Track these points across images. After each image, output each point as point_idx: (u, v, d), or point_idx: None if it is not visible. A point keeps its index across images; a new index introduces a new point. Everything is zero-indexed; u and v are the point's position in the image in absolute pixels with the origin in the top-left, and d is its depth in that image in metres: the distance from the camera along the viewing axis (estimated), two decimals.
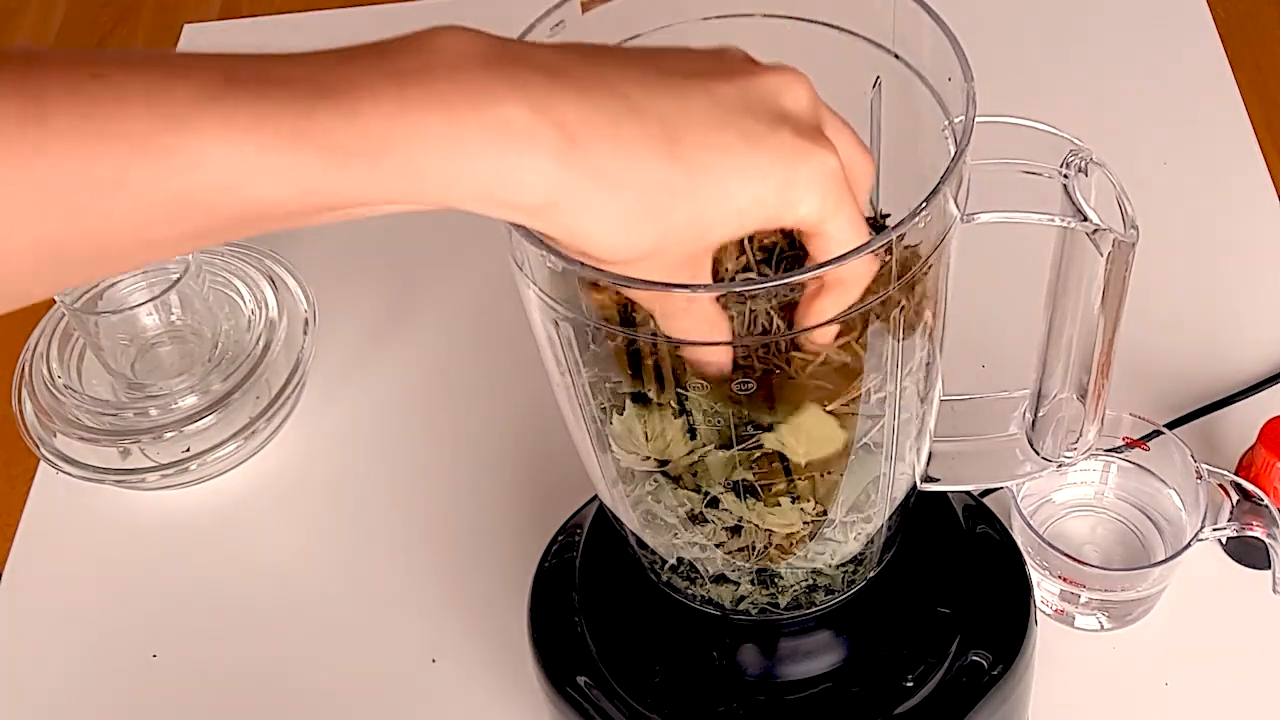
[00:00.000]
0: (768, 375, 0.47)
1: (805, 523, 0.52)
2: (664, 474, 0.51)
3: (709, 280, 0.43)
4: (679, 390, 0.47)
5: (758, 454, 0.49)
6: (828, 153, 0.40)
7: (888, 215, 0.52)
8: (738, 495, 0.51)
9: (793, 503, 0.51)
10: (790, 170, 0.40)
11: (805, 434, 0.48)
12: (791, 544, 0.53)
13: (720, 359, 0.45)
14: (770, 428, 0.48)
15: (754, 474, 0.50)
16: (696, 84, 0.39)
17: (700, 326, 0.43)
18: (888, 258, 0.44)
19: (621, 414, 0.49)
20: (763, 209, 0.40)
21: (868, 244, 0.42)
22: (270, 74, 0.34)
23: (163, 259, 0.36)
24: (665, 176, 0.38)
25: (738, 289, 0.44)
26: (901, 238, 0.43)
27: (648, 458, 0.51)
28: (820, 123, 0.42)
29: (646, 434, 0.49)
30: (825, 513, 0.52)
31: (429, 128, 0.35)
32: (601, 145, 0.37)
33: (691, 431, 0.49)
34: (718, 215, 0.39)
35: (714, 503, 0.51)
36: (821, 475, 0.51)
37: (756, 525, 0.52)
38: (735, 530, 0.53)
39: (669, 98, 0.39)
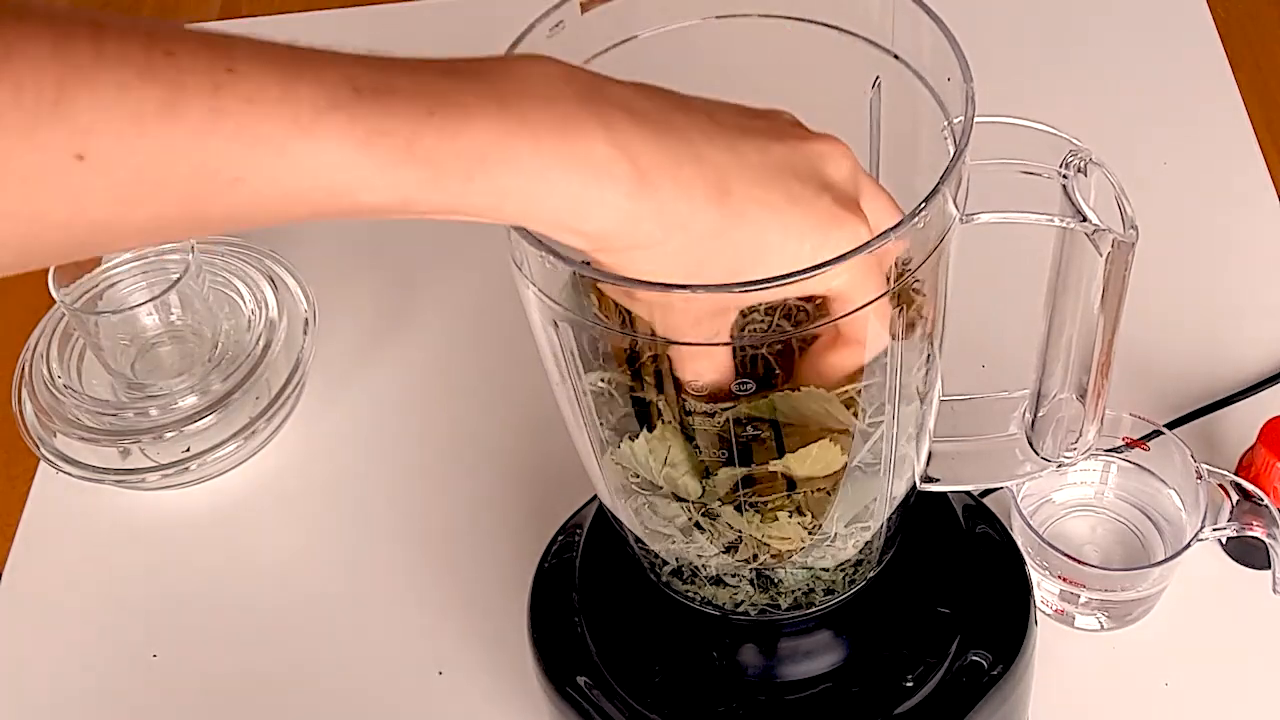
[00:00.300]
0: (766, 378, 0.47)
1: (803, 536, 0.52)
2: (662, 491, 0.51)
3: (728, 329, 0.44)
4: (680, 397, 0.47)
5: (760, 471, 0.49)
6: (862, 226, 0.42)
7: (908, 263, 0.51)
8: (737, 510, 0.51)
9: (790, 517, 0.51)
10: (825, 236, 0.41)
11: (809, 459, 0.49)
12: (790, 553, 0.53)
13: (722, 376, 0.46)
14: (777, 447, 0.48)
15: (755, 492, 0.50)
16: (750, 140, 0.42)
17: (712, 372, 0.45)
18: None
19: (629, 437, 0.49)
20: (795, 267, 0.41)
21: (866, 244, 0.42)
22: (388, 85, 0.36)
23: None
24: (714, 223, 0.40)
25: (736, 288, 0.44)
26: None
27: (656, 484, 0.51)
28: (859, 194, 0.43)
29: (665, 459, 0.50)
30: (823, 525, 0.53)
31: (520, 154, 0.37)
32: (667, 185, 0.39)
33: (706, 471, 0.50)
34: (755, 267, 0.41)
35: (712, 517, 0.52)
36: (821, 492, 0.51)
37: (756, 538, 0.52)
38: (734, 546, 0.53)
39: (725, 149, 0.41)
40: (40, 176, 0.32)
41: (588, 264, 0.44)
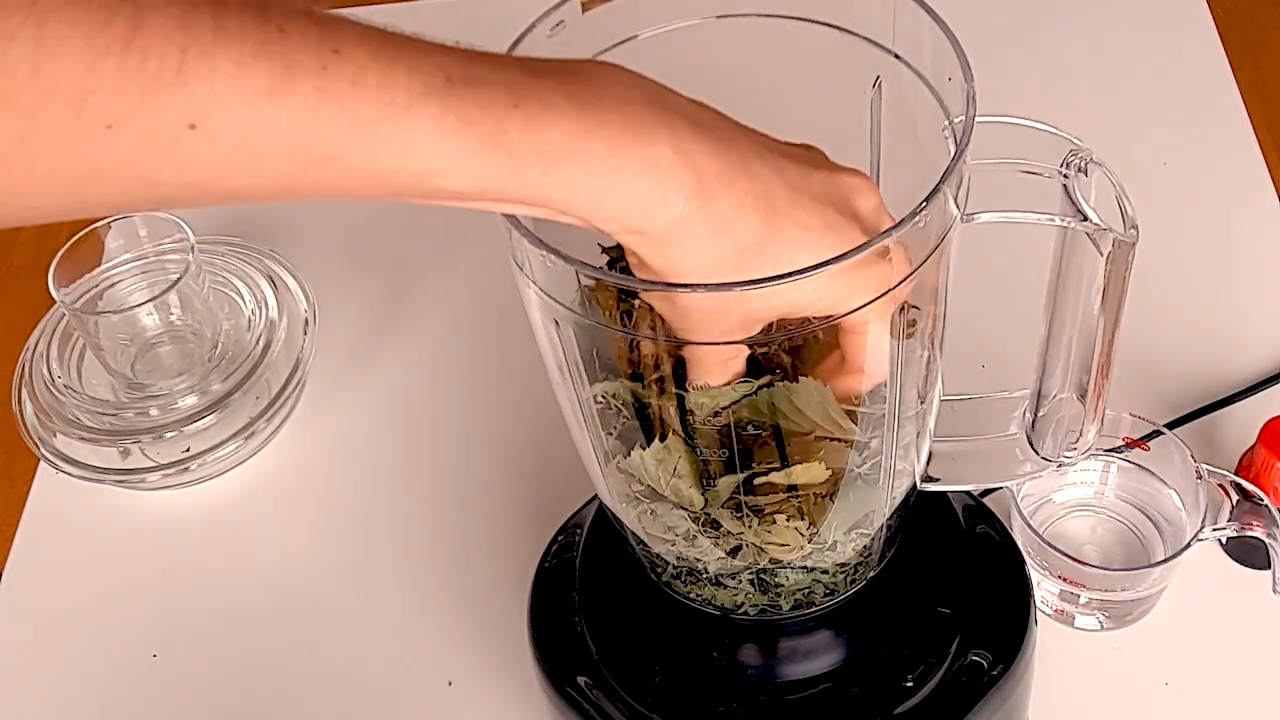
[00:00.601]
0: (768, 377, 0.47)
1: (802, 543, 0.52)
2: (665, 498, 0.51)
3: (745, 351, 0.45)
4: (679, 393, 0.47)
5: (761, 483, 0.49)
6: (885, 262, 0.44)
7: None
8: (738, 516, 0.51)
9: (789, 522, 0.51)
10: (854, 265, 0.43)
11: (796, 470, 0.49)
12: (790, 558, 0.53)
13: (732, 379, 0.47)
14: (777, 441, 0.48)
15: (754, 498, 0.50)
16: (794, 165, 0.44)
17: (724, 375, 0.47)
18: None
19: (640, 446, 0.50)
20: (819, 294, 0.43)
21: (866, 243, 0.42)
22: (477, 77, 0.38)
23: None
24: (757, 236, 0.42)
25: (737, 288, 0.44)
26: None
27: (659, 493, 0.51)
28: (881, 228, 0.45)
29: (673, 471, 0.50)
30: (823, 533, 0.53)
31: (595, 153, 0.39)
32: (722, 194, 0.41)
33: (708, 482, 0.50)
34: (788, 290, 0.43)
35: (714, 523, 0.52)
36: (821, 499, 0.51)
37: (756, 545, 0.52)
38: (734, 550, 0.53)
39: (773, 169, 0.43)
40: (153, 140, 0.34)
41: (588, 264, 0.44)
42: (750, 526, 0.51)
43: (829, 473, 0.50)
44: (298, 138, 0.35)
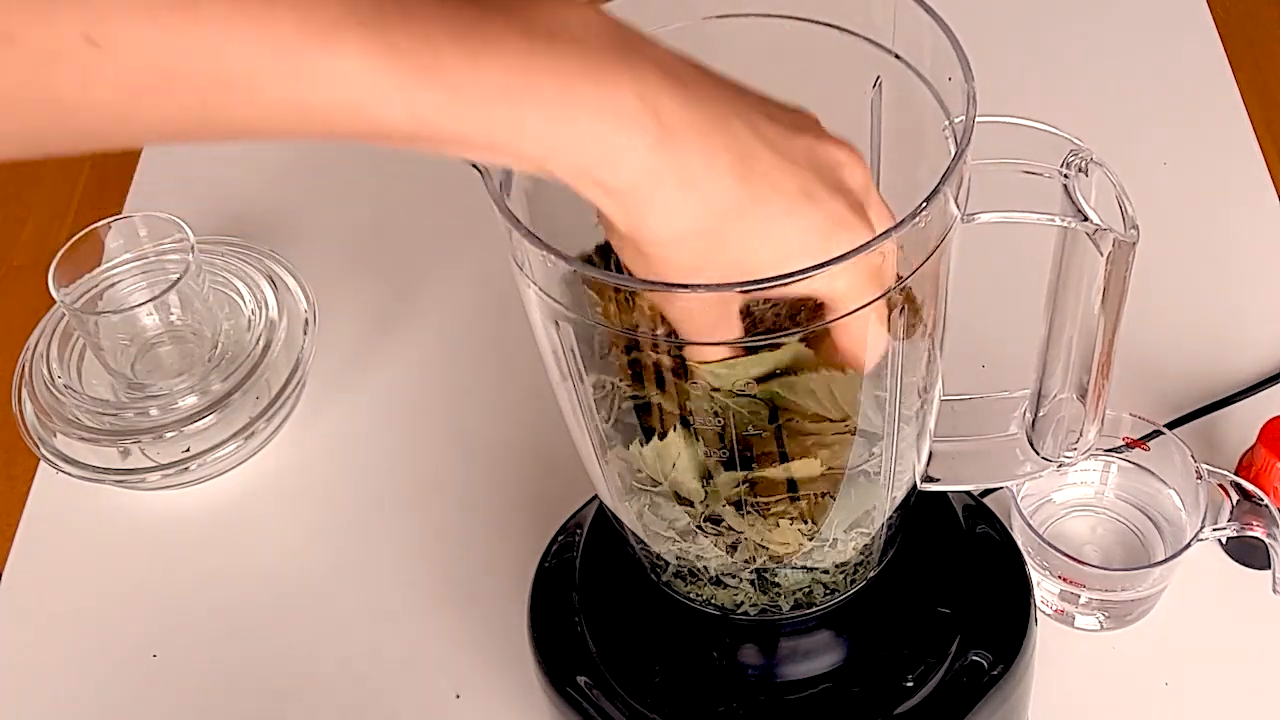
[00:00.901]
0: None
1: (803, 542, 0.52)
2: (663, 488, 0.51)
3: (736, 322, 0.44)
4: (680, 389, 0.47)
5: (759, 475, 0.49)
6: (868, 234, 0.42)
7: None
8: (738, 512, 0.51)
9: (790, 523, 0.51)
10: (834, 238, 0.41)
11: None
12: (790, 556, 0.53)
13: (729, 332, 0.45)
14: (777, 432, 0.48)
15: (755, 493, 0.50)
16: (775, 126, 0.42)
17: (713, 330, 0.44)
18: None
19: (639, 442, 0.49)
20: (798, 263, 0.41)
21: (867, 244, 0.42)
22: (415, 5, 0.35)
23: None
24: (732, 194, 0.40)
25: (738, 288, 0.44)
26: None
27: (658, 483, 0.51)
28: (868, 206, 0.43)
29: (674, 464, 0.50)
30: (822, 531, 0.53)
31: (544, 92, 0.36)
32: (692, 147, 0.39)
33: (707, 477, 0.50)
34: (764, 254, 0.41)
35: (714, 519, 0.52)
36: (822, 497, 0.51)
37: (756, 542, 0.52)
38: (734, 546, 0.53)
39: (750, 128, 0.41)
40: (52, 57, 0.32)
41: (588, 264, 0.44)
42: (752, 524, 0.51)
43: (825, 468, 0.49)
44: (210, 60, 0.33)
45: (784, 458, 0.49)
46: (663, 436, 0.49)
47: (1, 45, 0.32)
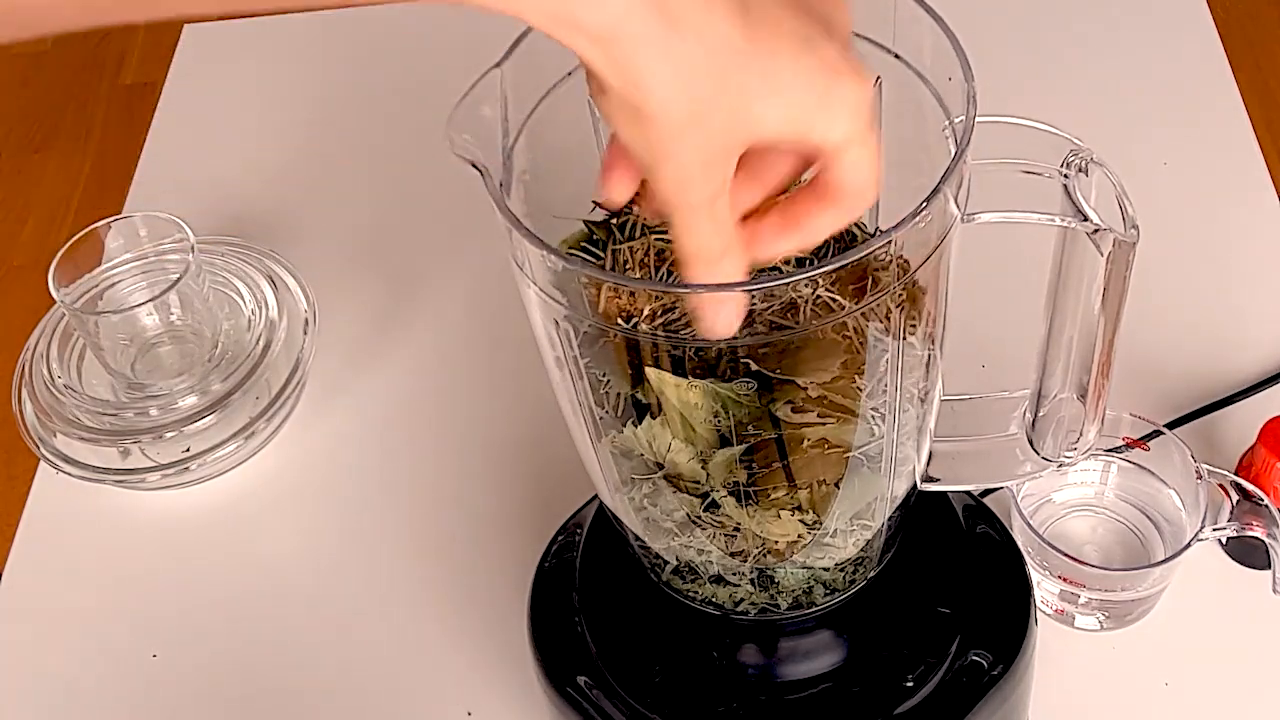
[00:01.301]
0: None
1: (803, 533, 0.52)
2: (664, 478, 0.51)
3: (726, 197, 0.41)
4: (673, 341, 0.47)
5: (758, 451, 0.49)
6: (866, 80, 0.40)
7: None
8: (738, 501, 0.51)
9: (792, 515, 0.51)
10: (833, 83, 0.39)
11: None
12: (790, 550, 0.53)
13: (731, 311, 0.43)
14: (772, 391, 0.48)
15: (753, 473, 0.50)
16: None
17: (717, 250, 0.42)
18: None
19: (632, 423, 0.49)
20: (801, 112, 0.39)
21: (867, 243, 0.42)
22: None
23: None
24: (731, 39, 0.37)
25: (738, 288, 0.44)
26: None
27: (655, 463, 0.51)
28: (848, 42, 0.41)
29: (669, 446, 0.50)
30: (824, 522, 0.52)
31: None
32: None
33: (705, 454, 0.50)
34: (764, 102, 0.38)
35: (713, 506, 0.52)
36: (824, 485, 0.51)
37: (755, 534, 0.52)
38: (733, 536, 0.53)
39: None
40: None
41: (587, 264, 0.44)
42: (751, 515, 0.51)
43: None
44: None
45: (785, 464, 0.49)
46: (654, 415, 0.48)
47: None
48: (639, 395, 0.49)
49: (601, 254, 0.47)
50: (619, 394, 0.49)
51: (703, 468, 0.50)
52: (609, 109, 0.38)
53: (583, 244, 0.48)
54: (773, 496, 0.51)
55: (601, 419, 0.51)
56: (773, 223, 0.43)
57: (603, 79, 0.37)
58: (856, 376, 0.48)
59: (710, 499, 0.51)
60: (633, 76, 0.37)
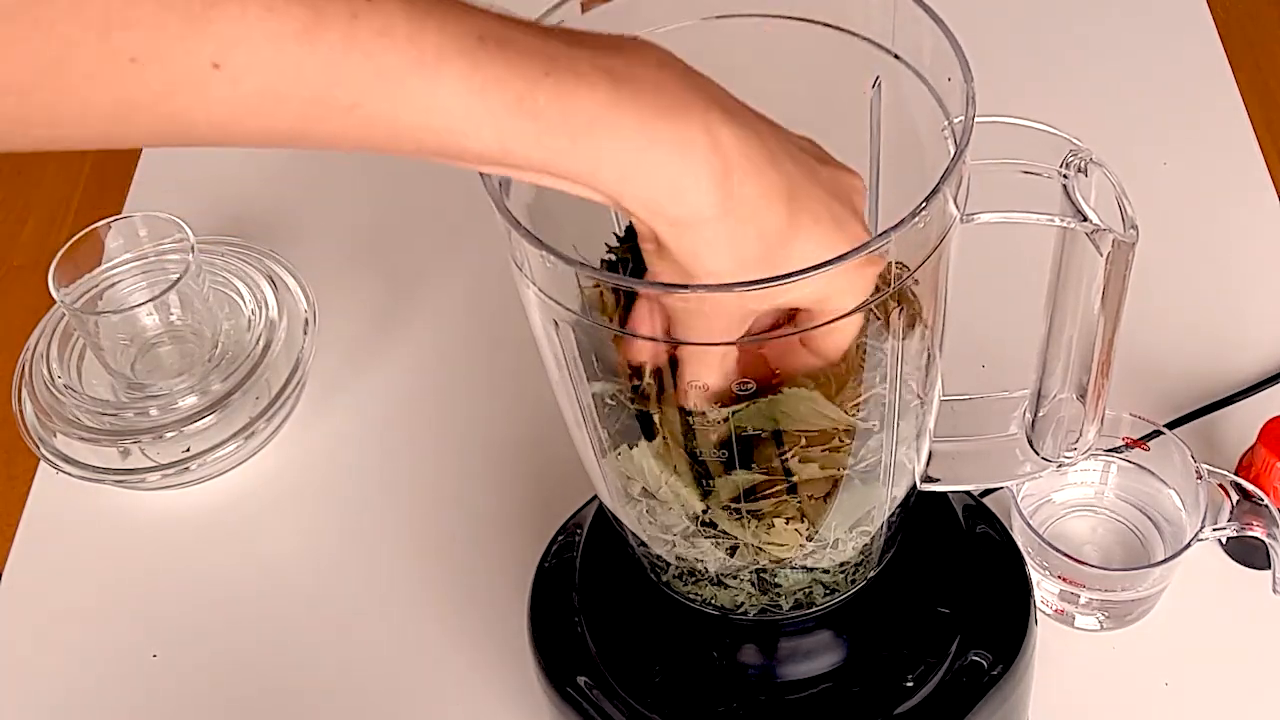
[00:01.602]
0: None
1: (802, 543, 0.52)
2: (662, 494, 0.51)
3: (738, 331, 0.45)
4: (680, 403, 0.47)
5: (761, 478, 0.49)
6: (881, 262, 0.44)
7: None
8: (736, 518, 0.51)
9: (787, 524, 0.51)
10: (860, 269, 0.43)
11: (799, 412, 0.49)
12: (790, 559, 0.53)
13: (726, 378, 0.47)
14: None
15: (755, 501, 0.50)
16: (808, 159, 0.44)
17: (719, 373, 0.46)
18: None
19: (630, 445, 0.50)
20: (827, 289, 0.43)
21: (868, 243, 0.42)
22: (510, 39, 0.37)
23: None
24: (779, 226, 0.42)
25: (739, 288, 0.44)
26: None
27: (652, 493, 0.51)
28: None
29: (673, 469, 0.50)
30: (822, 534, 0.53)
31: (624, 128, 0.39)
32: (749, 182, 0.41)
33: (706, 481, 0.50)
34: (780, 261, 0.42)
35: (711, 523, 0.52)
36: (818, 500, 0.51)
37: (754, 546, 0.52)
38: (733, 550, 0.53)
39: (792, 161, 0.43)
40: (178, 78, 0.34)
41: (587, 265, 0.44)
42: (749, 528, 0.51)
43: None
44: (321, 85, 0.35)
45: (785, 470, 0.49)
46: (650, 437, 0.49)
47: (126, 64, 0.33)
48: (639, 406, 0.49)
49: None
50: (619, 402, 0.50)
51: (703, 498, 0.50)
52: (660, 266, 0.43)
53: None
54: (770, 512, 0.51)
55: (603, 427, 0.51)
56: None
57: (666, 247, 0.42)
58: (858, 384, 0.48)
59: (707, 517, 0.51)
60: (694, 251, 0.42)
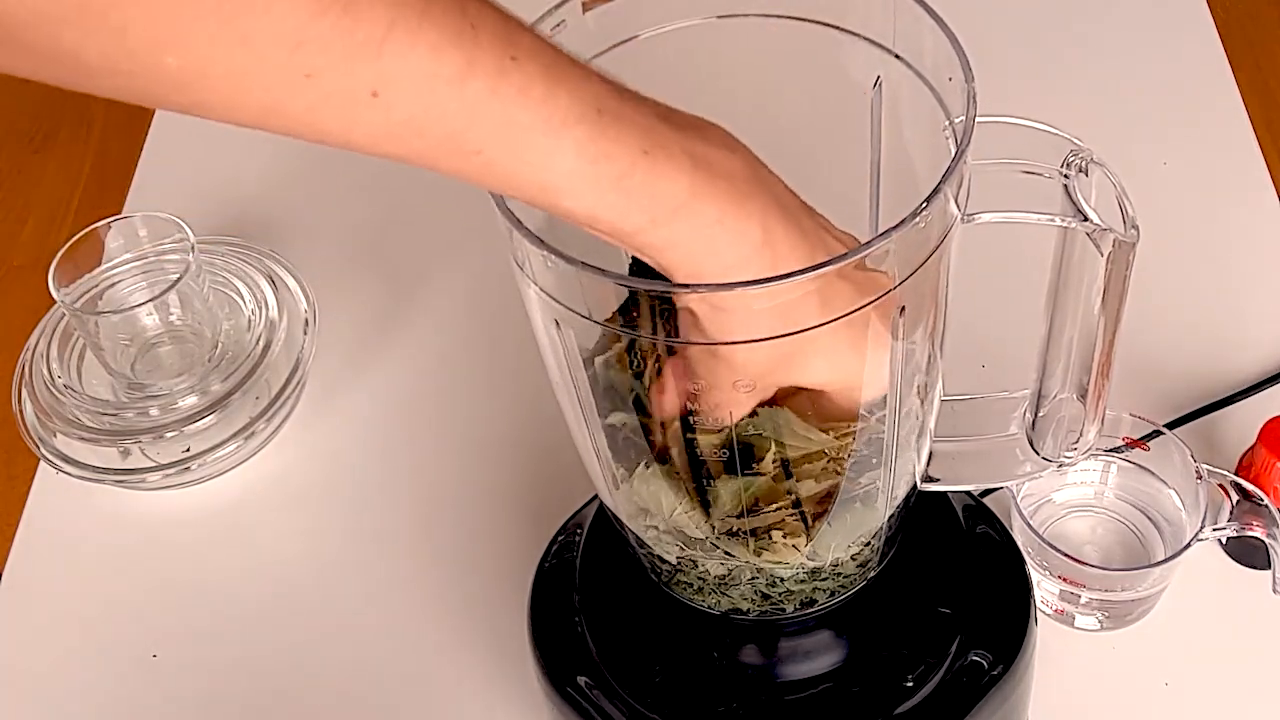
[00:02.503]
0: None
1: (802, 563, 0.52)
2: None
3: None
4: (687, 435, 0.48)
5: (765, 489, 0.49)
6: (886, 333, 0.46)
7: None
8: (737, 537, 0.51)
9: (785, 538, 0.51)
10: (868, 352, 0.46)
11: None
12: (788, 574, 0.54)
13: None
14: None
15: (755, 517, 0.50)
16: (838, 245, 0.46)
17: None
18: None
19: (640, 470, 0.50)
20: (844, 375, 0.47)
21: (869, 243, 0.42)
22: (623, 114, 0.40)
23: None
24: (813, 319, 0.44)
25: (736, 287, 0.44)
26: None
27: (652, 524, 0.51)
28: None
29: (675, 506, 0.50)
30: (820, 553, 0.53)
31: (704, 216, 0.41)
32: (787, 263, 0.43)
33: (704, 500, 0.50)
34: (818, 364, 0.46)
35: (712, 545, 0.52)
36: (818, 522, 0.51)
37: (754, 564, 0.52)
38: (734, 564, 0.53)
39: (820, 240, 0.45)
40: (338, 97, 0.36)
41: (587, 264, 0.44)
42: (749, 545, 0.51)
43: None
44: (459, 126, 0.37)
45: (787, 472, 0.49)
46: (664, 461, 0.49)
47: (304, 79, 0.35)
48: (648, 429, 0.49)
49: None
50: (630, 430, 0.50)
51: (707, 520, 0.50)
52: (696, 335, 0.45)
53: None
54: (768, 528, 0.51)
55: (611, 451, 0.51)
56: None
57: (705, 329, 0.44)
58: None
59: (709, 538, 0.52)
60: (729, 331, 0.44)
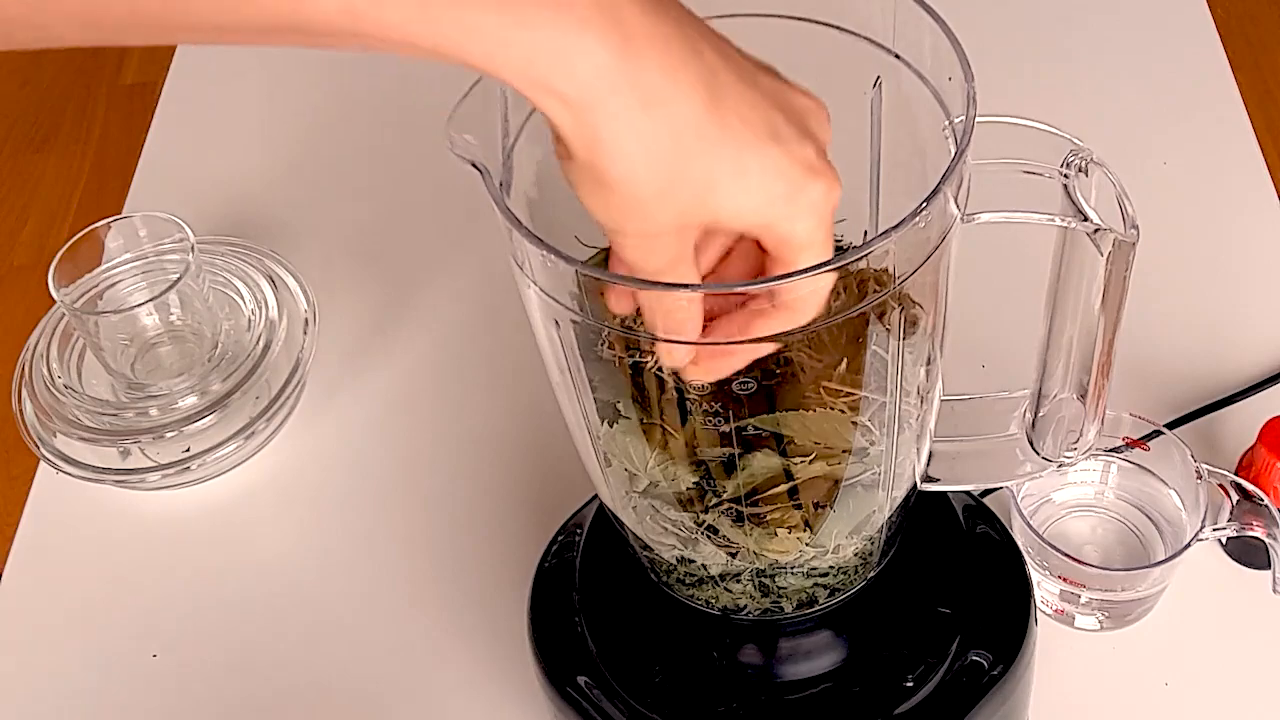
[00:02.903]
0: (768, 379, 0.48)
1: (802, 550, 0.52)
2: (660, 497, 0.51)
3: (690, 262, 0.42)
4: (679, 391, 0.47)
5: (762, 480, 0.49)
6: (836, 186, 0.41)
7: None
8: (734, 521, 0.51)
9: (789, 533, 0.51)
10: (802, 183, 0.40)
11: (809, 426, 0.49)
12: (790, 564, 0.53)
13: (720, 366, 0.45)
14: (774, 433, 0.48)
15: (755, 500, 0.50)
16: (743, 62, 0.40)
17: (682, 326, 0.43)
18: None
19: (608, 422, 0.49)
20: (767, 204, 0.40)
21: (868, 243, 0.42)
22: None
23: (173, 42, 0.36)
24: (699, 121, 0.38)
25: (733, 289, 0.44)
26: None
27: (649, 482, 0.51)
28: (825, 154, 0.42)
29: (642, 453, 0.50)
30: (821, 540, 0.53)
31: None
32: (655, 63, 0.37)
33: (707, 481, 0.50)
34: (727, 187, 0.39)
35: (711, 530, 0.52)
36: (820, 509, 0.51)
37: (754, 551, 0.52)
38: (734, 554, 0.53)
39: (718, 55, 0.39)
40: None
41: (587, 264, 0.44)
42: (750, 534, 0.51)
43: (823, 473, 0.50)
44: None
45: (782, 449, 0.49)
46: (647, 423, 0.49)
47: None
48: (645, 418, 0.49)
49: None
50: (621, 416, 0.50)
51: (703, 496, 0.50)
52: (573, 174, 0.39)
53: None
54: (770, 519, 0.51)
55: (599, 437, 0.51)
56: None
57: (570, 145, 0.38)
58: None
59: (706, 522, 0.51)
60: (598, 146, 0.38)
